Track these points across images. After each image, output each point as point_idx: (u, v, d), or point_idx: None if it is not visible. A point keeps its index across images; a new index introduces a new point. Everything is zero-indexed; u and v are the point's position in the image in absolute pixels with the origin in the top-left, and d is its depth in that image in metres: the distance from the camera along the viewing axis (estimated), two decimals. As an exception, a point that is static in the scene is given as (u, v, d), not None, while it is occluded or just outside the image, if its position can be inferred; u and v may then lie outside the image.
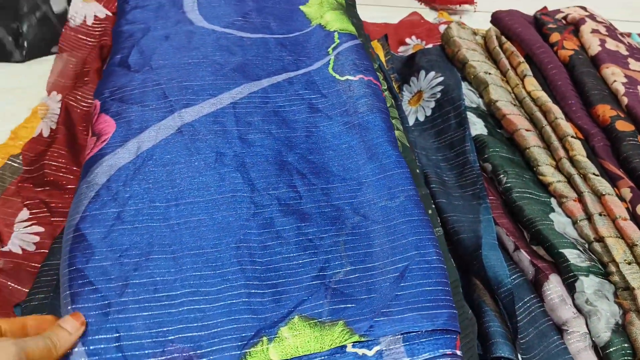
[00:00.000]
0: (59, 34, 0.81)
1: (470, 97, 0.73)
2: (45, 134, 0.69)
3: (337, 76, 0.60)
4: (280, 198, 0.50)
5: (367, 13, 1.07)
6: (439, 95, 0.74)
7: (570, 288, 0.52)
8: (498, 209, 0.61)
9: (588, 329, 0.50)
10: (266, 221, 0.48)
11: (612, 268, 0.53)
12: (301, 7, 0.70)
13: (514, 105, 0.71)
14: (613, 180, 0.61)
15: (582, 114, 0.68)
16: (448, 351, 0.41)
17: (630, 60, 0.77)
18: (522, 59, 0.75)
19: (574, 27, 0.82)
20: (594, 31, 0.79)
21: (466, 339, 0.46)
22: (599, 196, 0.58)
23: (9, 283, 0.55)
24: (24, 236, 0.59)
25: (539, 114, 0.68)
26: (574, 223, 0.58)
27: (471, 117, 0.70)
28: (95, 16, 0.82)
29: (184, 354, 0.40)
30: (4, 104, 0.79)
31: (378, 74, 0.65)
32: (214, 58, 0.59)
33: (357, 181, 0.52)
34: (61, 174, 0.64)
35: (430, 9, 1.14)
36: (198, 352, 0.40)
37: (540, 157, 0.64)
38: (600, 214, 0.57)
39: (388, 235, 0.48)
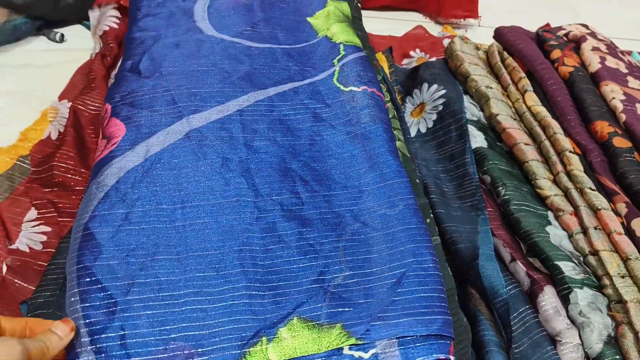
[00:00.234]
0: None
1: (471, 110, 0.74)
2: (54, 136, 0.71)
3: (342, 87, 0.61)
4: (283, 203, 0.51)
5: (373, 25, 1.09)
6: (440, 108, 0.75)
7: (565, 300, 0.53)
8: (496, 220, 0.62)
9: (581, 340, 0.51)
10: (269, 225, 0.49)
11: (606, 281, 0.54)
12: (308, 19, 0.71)
13: (514, 119, 0.72)
14: (609, 195, 0.62)
15: (581, 129, 0.70)
16: (442, 356, 0.42)
17: (629, 78, 0.78)
18: (523, 75, 0.77)
19: (575, 44, 0.84)
20: (595, 49, 0.81)
21: (460, 346, 0.47)
22: (594, 210, 0.60)
23: (16, 280, 0.56)
24: (31, 235, 0.61)
25: (538, 129, 0.69)
26: (570, 236, 0.60)
27: (472, 129, 0.71)
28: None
29: (186, 352, 0.41)
30: (11, 105, 0.81)
31: (382, 85, 0.67)
32: (223, 66, 0.61)
33: (358, 189, 0.53)
34: (69, 175, 0.66)
35: (434, 23, 1.16)
36: (199, 350, 0.41)
37: (538, 170, 0.65)
38: (595, 228, 0.58)
39: (387, 242, 0.49)
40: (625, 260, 0.55)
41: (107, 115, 0.55)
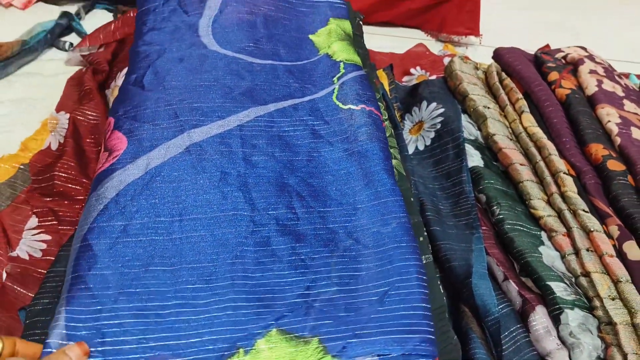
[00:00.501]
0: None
1: (469, 129, 0.75)
2: (54, 147, 0.72)
3: (341, 105, 0.62)
4: (278, 218, 0.52)
5: (376, 42, 1.10)
6: (439, 126, 0.76)
7: (556, 320, 0.54)
8: (490, 239, 0.63)
9: (571, 361, 0.52)
10: (263, 239, 0.50)
11: (597, 303, 0.55)
12: (310, 36, 0.73)
13: (511, 139, 0.73)
14: (602, 217, 0.63)
15: (576, 151, 0.70)
16: None
17: (625, 101, 0.79)
18: (520, 96, 0.78)
19: (572, 66, 0.85)
20: (592, 72, 0.82)
21: (450, 364, 0.48)
22: (587, 232, 0.60)
23: (15, 287, 0.57)
24: (32, 243, 0.62)
25: (533, 149, 0.70)
26: (562, 257, 0.60)
27: (469, 148, 0.72)
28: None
29: None
30: (17, 112, 0.82)
31: (380, 103, 0.68)
32: (225, 82, 0.62)
33: (352, 206, 0.54)
34: (70, 185, 0.67)
35: (436, 40, 1.18)
36: None
37: (532, 191, 0.66)
38: (587, 250, 0.59)
39: (376, 260, 0.50)
40: (616, 282, 0.56)
41: (109, 128, 0.57)
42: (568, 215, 0.62)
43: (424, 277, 0.49)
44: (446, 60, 1.03)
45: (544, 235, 0.63)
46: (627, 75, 0.98)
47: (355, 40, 0.75)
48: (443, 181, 0.71)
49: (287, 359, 0.43)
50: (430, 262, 0.54)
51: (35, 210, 0.65)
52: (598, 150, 0.69)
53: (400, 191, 0.56)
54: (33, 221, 0.64)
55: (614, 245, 0.60)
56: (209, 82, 0.61)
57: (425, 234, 0.58)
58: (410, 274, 0.49)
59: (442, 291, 0.53)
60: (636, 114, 0.77)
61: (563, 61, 0.87)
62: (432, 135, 0.76)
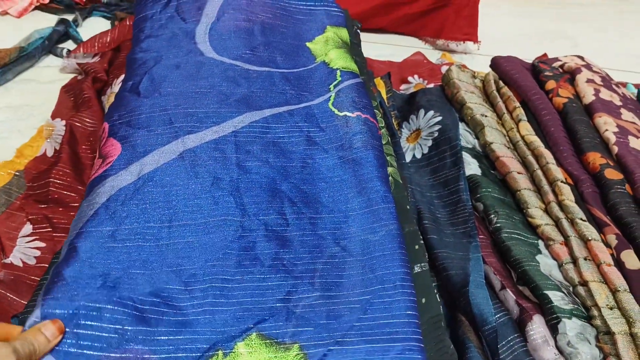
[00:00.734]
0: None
1: (466, 137, 0.75)
2: (49, 153, 0.72)
3: (336, 111, 0.62)
4: (268, 224, 0.52)
5: (374, 51, 1.11)
6: (436, 134, 0.76)
7: (553, 329, 0.54)
8: (487, 248, 0.62)
9: (568, 371, 0.51)
10: (249, 244, 0.50)
11: (595, 312, 0.54)
12: (307, 44, 0.73)
13: (508, 148, 0.73)
14: (600, 226, 0.63)
15: (573, 160, 0.70)
16: None
17: (623, 110, 0.79)
18: (517, 104, 0.78)
19: (570, 75, 0.85)
20: (589, 81, 0.82)
21: (446, 373, 0.47)
22: (585, 241, 0.60)
23: (8, 294, 0.56)
24: (26, 250, 0.61)
25: (531, 158, 0.70)
26: (560, 266, 0.60)
27: (466, 157, 0.72)
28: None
29: (139, 356, 0.41)
30: (13, 119, 0.82)
31: (377, 111, 0.68)
32: (221, 88, 0.62)
33: (344, 213, 0.54)
34: (65, 192, 0.67)
35: (433, 48, 1.18)
36: (153, 356, 0.41)
37: (530, 199, 0.66)
38: (585, 259, 0.58)
39: (360, 268, 0.50)
40: (614, 292, 0.55)
41: (104, 135, 0.56)
42: (565, 224, 0.62)
43: (409, 285, 0.49)
44: (444, 69, 1.03)
45: (541, 244, 0.63)
46: (624, 85, 0.98)
47: (353, 48, 0.75)
48: (440, 189, 0.71)
49: None
50: (426, 271, 0.54)
51: (29, 217, 0.64)
52: (596, 159, 0.69)
53: (395, 199, 0.56)
54: (27, 228, 0.63)
55: (612, 254, 0.59)
56: (205, 89, 0.61)
57: (422, 242, 0.57)
58: (393, 282, 0.48)
59: (438, 300, 0.53)
60: (634, 123, 0.77)
61: (560, 70, 0.87)
62: (430, 143, 0.76)
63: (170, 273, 0.47)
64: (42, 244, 0.62)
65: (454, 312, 0.59)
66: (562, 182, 0.66)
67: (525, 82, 0.81)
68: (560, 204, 0.64)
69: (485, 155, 0.74)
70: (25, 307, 0.54)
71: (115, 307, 0.43)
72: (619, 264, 0.58)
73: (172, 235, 0.49)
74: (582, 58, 0.91)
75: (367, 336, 0.45)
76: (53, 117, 0.80)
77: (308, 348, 0.44)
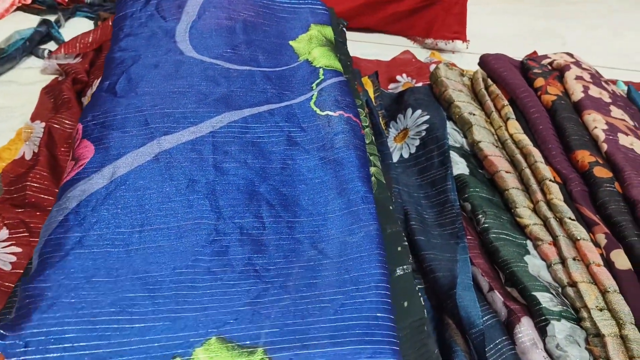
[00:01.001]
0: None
1: (454, 136, 0.74)
2: (28, 156, 0.70)
3: (318, 111, 0.61)
4: (243, 227, 0.50)
5: (361, 50, 1.09)
6: (424, 134, 0.75)
7: (542, 331, 0.52)
8: (475, 248, 0.61)
9: (558, 375, 0.50)
10: (222, 249, 0.48)
11: (584, 314, 0.53)
12: (291, 42, 0.71)
13: (496, 146, 0.72)
14: (589, 225, 0.61)
15: (562, 158, 0.69)
16: None
17: (612, 107, 0.78)
18: (506, 102, 0.77)
19: (558, 72, 0.84)
20: (578, 78, 0.81)
21: (431, 378, 0.46)
22: (573, 241, 0.59)
23: (-19, 301, 0.55)
24: (1, 255, 0.59)
25: (519, 157, 0.69)
26: (549, 266, 0.59)
27: (454, 156, 0.71)
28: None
29: None
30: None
31: (361, 110, 0.66)
32: (199, 88, 0.60)
33: (323, 216, 0.52)
34: (43, 196, 0.65)
35: (422, 47, 1.17)
36: None
37: (518, 199, 0.65)
38: (574, 259, 0.57)
39: (336, 269, 0.48)
40: (603, 292, 0.54)
41: (78, 137, 0.55)
42: (554, 223, 0.61)
43: (385, 287, 0.47)
44: (433, 68, 1.02)
45: (529, 244, 0.61)
46: (614, 82, 0.97)
47: (338, 46, 0.74)
48: (428, 189, 0.70)
49: None
50: (409, 273, 0.52)
51: (6, 222, 0.63)
52: (584, 157, 0.68)
53: (377, 199, 0.54)
54: (3, 233, 0.62)
55: (602, 254, 0.58)
56: (183, 89, 0.59)
57: (405, 243, 0.56)
58: (367, 283, 0.46)
59: (422, 303, 0.51)
60: (623, 120, 0.76)
61: (549, 67, 0.86)
62: (417, 142, 0.75)
63: (136, 280, 0.45)
64: (19, 249, 0.60)
65: (441, 315, 0.58)
66: (550, 180, 0.65)
67: (514, 80, 0.80)
68: (549, 203, 0.63)
69: (474, 154, 0.73)
70: (-1, 314, 0.52)
71: (68, 327, 0.41)
72: (609, 264, 0.57)
73: (143, 240, 0.47)
74: (571, 55, 0.90)
75: (337, 338, 0.43)
76: (33, 119, 0.78)
77: (273, 352, 0.42)
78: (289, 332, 0.43)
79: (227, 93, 0.61)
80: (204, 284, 0.46)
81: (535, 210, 0.64)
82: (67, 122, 0.74)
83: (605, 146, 0.70)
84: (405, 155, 0.75)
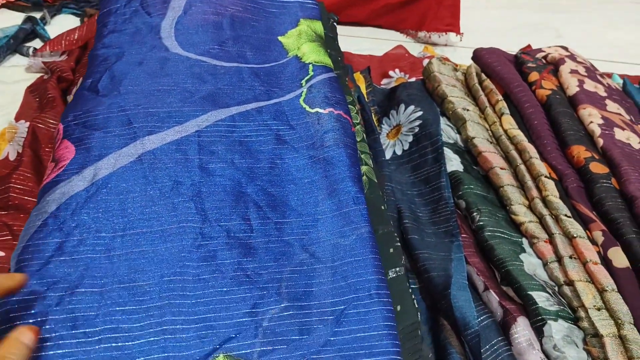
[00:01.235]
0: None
1: (448, 132, 0.73)
2: (12, 157, 0.69)
3: (308, 108, 0.59)
4: (230, 230, 0.48)
5: (353, 45, 1.08)
6: (417, 130, 0.73)
7: (539, 332, 0.51)
8: (470, 247, 0.60)
9: (555, 376, 0.49)
10: (209, 254, 0.47)
11: (582, 313, 0.52)
12: (280, 38, 0.69)
13: (491, 142, 0.70)
14: (585, 222, 0.60)
15: (557, 154, 0.68)
16: None
17: (608, 101, 0.77)
18: (500, 97, 0.75)
19: (553, 66, 0.82)
20: (573, 71, 0.80)
21: (425, 383, 0.45)
22: (570, 238, 0.58)
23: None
24: (-17, 259, 0.58)
25: (514, 153, 0.68)
26: (544, 265, 0.58)
27: (448, 152, 0.69)
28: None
29: None
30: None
31: (352, 106, 0.64)
32: (185, 85, 0.59)
33: (312, 217, 0.51)
34: (26, 197, 0.63)
35: (415, 41, 1.15)
36: None
37: (513, 196, 0.63)
38: (570, 257, 0.56)
39: (330, 275, 0.47)
40: (601, 291, 0.53)
41: (59, 137, 0.53)
42: (550, 220, 0.60)
43: (385, 293, 0.46)
44: (426, 62, 1.00)
45: (525, 242, 0.60)
46: (609, 75, 0.96)
47: (328, 41, 0.72)
48: (422, 187, 0.69)
49: None
50: (402, 275, 0.51)
51: (-12, 225, 0.61)
52: (580, 152, 0.67)
53: (369, 199, 0.53)
54: (-14, 236, 0.60)
55: (599, 252, 0.57)
56: (168, 87, 0.58)
57: (398, 244, 0.55)
58: (367, 290, 0.45)
59: (415, 306, 0.50)
60: (619, 114, 0.75)
61: (544, 61, 0.85)
62: (410, 139, 0.73)
63: (122, 290, 0.43)
64: (2, 253, 0.59)
65: (436, 316, 0.56)
66: (546, 177, 0.63)
67: (508, 75, 0.78)
68: (545, 200, 0.62)
69: (468, 151, 0.71)
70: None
71: (60, 351, 0.39)
72: (606, 262, 0.56)
73: (125, 245, 0.45)
74: (566, 48, 0.88)
75: (345, 352, 0.42)
76: (17, 118, 0.77)
77: None
78: (296, 348, 0.42)
79: (214, 91, 0.59)
80: (195, 292, 0.44)
81: (531, 208, 0.63)
82: (52, 121, 0.73)
83: (601, 141, 0.68)
84: (399, 152, 0.74)
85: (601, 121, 0.71)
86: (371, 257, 0.47)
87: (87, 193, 0.47)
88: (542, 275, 0.57)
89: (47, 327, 0.40)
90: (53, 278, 0.42)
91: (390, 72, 0.99)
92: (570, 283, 0.55)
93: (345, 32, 0.88)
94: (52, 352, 0.39)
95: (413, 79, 0.95)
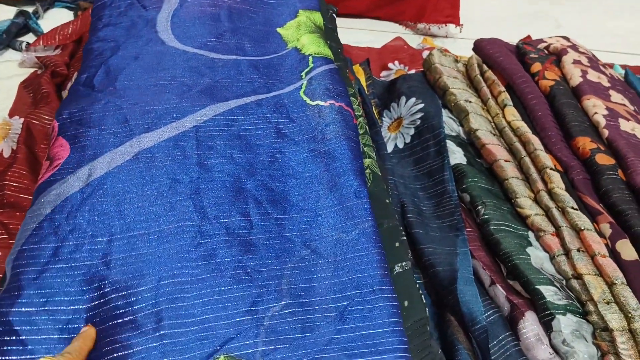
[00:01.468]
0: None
1: (450, 125, 0.72)
2: (6, 154, 0.67)
3: (308, 100, 0.58)
4: (229, 227, 0.47)
5: (352, 37, 1.06)
6: (418, 122, 0.72)
7: (547, 326, 0.50)
8: (475, 241, 0.59)
9: (565, 372, 0.48)
10: (208, 252, 0.45)
11: (591, 307, 0.51)
12: (278, 29, 0.68)
13: (494, 134, 0.69)
14: (592, 215, 0.59)
15: (562, 145, 0.67)
16: None
17: (611, 92, 0.76)
18: (502, 89, 0.74)
19: (555, 57, 0.81)
20: (576, 62, 0.79)
21: (434, 380, 0.44)
22: (577, 231, 0.57)
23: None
24: (-22, 259, 0.56)
25: (518, 145, 0.66)
26: (552, 258, 0.57)
27: (451, 145, 0.68)
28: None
29: None
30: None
31: (354, 98, 0.63)
32: (183, 79, 0.57)
33: (314, 212, 0.49)
34: (22, 195, 0.62)
35: (414, 33, 1.14)
36: None
37: (518, 189, 0.62)
38: (578, 250, 0.55)
39: (332, 270, 0.45)
40: (610, 285, 0.52)
41: (54, 134, 0.51)
42: (556, 213, 0.59)
43: (389, 288, 0.44)
44: (425, 54, 0.99)
45: (531, 235, 0.59)
46: (611, 66, 0.95)
47: (327, 32, 0.70)
48: (425, 180, 0.68)
49: None
50: (408, 270, 0.50)
51: (-16, 224, 0.60)
52: (585, 143, 0.66)
53: (373, 193, 0.52)
54: (-19, 236, 0.59)
55: (606, 245, 0.56)
56: (165, 81, 0.56)
57: (404, 238, 0.53)
58: (370, 286, 0.44)
59: (423, 301, 0.49)
60: (623, 104, 0.74)
61: (546, 52, 0.83)
62: (412, 132, 0.72)
63: (120, 299, 0.42)
64: (-2, 253, 0.57)
65: (442, 311, 0.55)
66: (551, 169, 0.62)
67: (510, 65, 0.77)
68: (550, 193, 0.61)
69: (471, 143, 0.70)
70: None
71: None
72: (615, 255, 0.55)
73: (123, 249, 0.44)
74: (567, 39, 0.87)
75: (350, 350, 0.40)
76: (11, 114, 0.75)
77: None
78: (299, 347, 0.41)
79: (212, 84, 0.57)
80: (192, 294, 0.43)
81: (537, 200, 0.62)
82: (46, 117, 0.71)
83: (606, 132, 0.67)
84: (400, 145, 0.73)
85: (606, 112, 0.70)
86: (374, 252, 0.46)
87: (82, 194, 0.46)
88: (549, 269, 0.56)
89: (59, 346, 0.39)
90: (51, 289, 0.41)
91: (390, 64, 0.98)
92: (578, 276, 0.54)
93: (343, 24, 0.87)
94: None
95: (413, 71, 0.94)
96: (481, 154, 0.68)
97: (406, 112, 0.75)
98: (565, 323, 0.50)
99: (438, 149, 0.68)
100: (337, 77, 0.61)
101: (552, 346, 0.50)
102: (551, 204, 0.60)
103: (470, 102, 0.72)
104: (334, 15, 0.81)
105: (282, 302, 0.43)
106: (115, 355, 0.39)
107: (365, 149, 0.57)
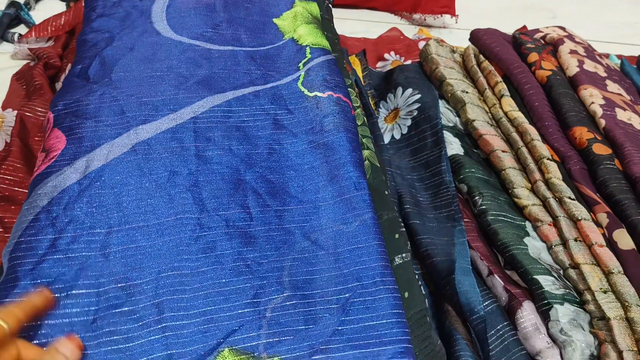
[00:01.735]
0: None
1: (447, 115, 0.71)
2: (0, 147, 0.66)
3: (306, 91, 0.57)
4: (229, 219, 0.47)
5: (347, 27, 1.06)
6: (415, 113, 0.72)
7: (545, 316, 0.51)
8: (473, 231, 0.59)
9: (562, 360, 0.48)
10: (208, 245, 0.45)
11: (588, 296, 0.52)
12: (275, 20, 0.67)
13: (491, 125, 0.69)
14: (589, 204, 0.59)
15: (559, 135, 0.67)
16: None
17: (608, 81, 0.76)
18: (499, 79, 0.74)
19: (552, 47, 0.81)
20: (572, 52, 0.78)
21: (433, 371, 0.44)
22: (574, 221, 0.57)
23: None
24: (-26, 254, 0.56)
25: (515, 135, 0.66)
26: (549, 248, 0.57)
27: (448, 136, 0.68)
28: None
29: None
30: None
31: (351, 90, 0.63)
32: (179, 71, 0.57)
33: (313, 204, 0.49)
34: (16, 188, 0.61)
35: (409, 23, 1.14)
36: None
37: (515, 179, 0.62)
38: (575, 240, 0.55)
39: (332, 262, 0.45)
40: (607, 274, 0.52)
41: (49, 126, 0.51)
42: (553, 203, 0.59)
43: (390, 280, 0.44)
44: (421, 45, 0.99)
45: (529, 225, 0.59)
46: (607, 56, 0.95)
47: (324, 23, 0.70)
48: (422, 171, 0.67)
49: None
50: (408, 262, 0.50)
51: (-22, 218, 0.59)
52: (582, 133, 0.66)
53: (372, 185, 0.51)
54: (-24, 230, 0.58)
55: (603, 234, 0.56)
56: (161, 73, 0.56)
57: (403, 230, 0.53)
58: (372, 277, 0.44)
59: (423, 292, 0.49)
60: (620, 94, 0.74)
61: (542, 42, 0.83)
62: (409, 123, 0.72)
63: (119, 291, 0.41)
64: (-6, 246, 0.57)
65: (439, 302, 0.56)
66: (548, 159, 0.62)
67: (507, 56, 0.77)
68: (547, 183, 0.61)
69: (468, 134, 0.70)
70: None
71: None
72: (611, 244, 0.55)
73: (121, 241, 0.44)
74: (563, 29, 0.87)
75: (354, 341, 0.41)
76: (3, 107, 0.74)
77: None
78: (302, 339, 0.41)
79: (209, 75, 0.57)
80: (193, 286, 0.43)
81: (534, 190, 0.62)
82: (40, 109, 0.70)
83: (603, 122, 0.67)
84: (397, 136, 0.73)
85: (602, 102, 0.70)
86: (375, 243, 0.46)
87: (79, 186, 0.46)
88: (546, 259, 0.56)
89: (43, 332, 0.38)
90: (48, 278, 0.41)
91: (386, 55, 0.98)
92: (575, 266, 0.54)
93: (338, 15, 0.86)
94: None
95: (409, 62, 0.94)
96: (478, 144, 0.68)
97: (403, 103, 0.75)
98: (563, 312, 0.50)
99: (435, 139, 0.68)
100: (335, 68, 0.61)
101: (550, 335, 0.50)
102: (548, 194, 0.60)
103: (467, 92, 0.72)
104: (330, 5, 0.80)
105: (284, 294, 0.43)
106: (117, 346, 0.39)
107: (363, 140, 0.57)
